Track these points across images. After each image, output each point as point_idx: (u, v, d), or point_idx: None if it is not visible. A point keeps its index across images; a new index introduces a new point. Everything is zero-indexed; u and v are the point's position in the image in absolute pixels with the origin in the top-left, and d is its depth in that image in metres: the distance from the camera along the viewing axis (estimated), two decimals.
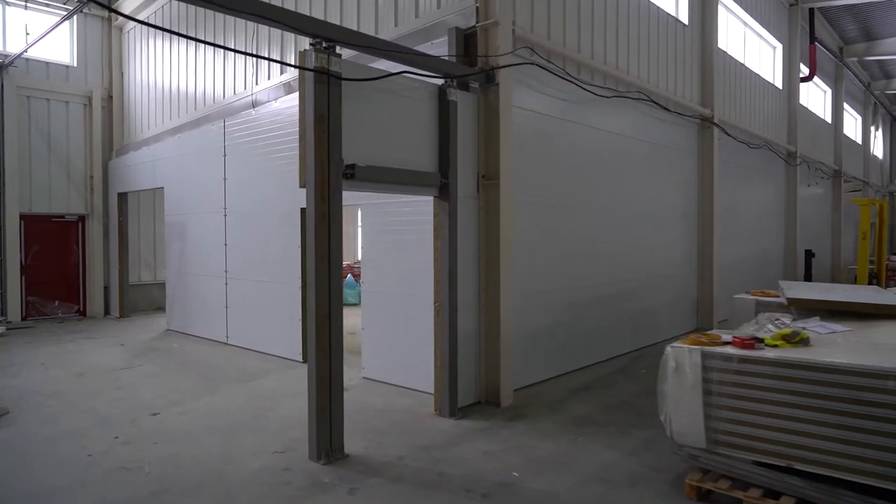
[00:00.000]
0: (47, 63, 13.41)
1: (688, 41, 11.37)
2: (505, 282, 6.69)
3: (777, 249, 16.42)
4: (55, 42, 13.56)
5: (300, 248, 8.79)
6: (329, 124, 5.01)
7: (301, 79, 5.06)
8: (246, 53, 5.02)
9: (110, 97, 14.23)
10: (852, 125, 25.06)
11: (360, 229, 18.80)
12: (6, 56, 12.45)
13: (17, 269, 12.91)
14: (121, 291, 13.69)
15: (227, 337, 10.33)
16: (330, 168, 5.02)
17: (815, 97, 20.30)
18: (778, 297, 7.23)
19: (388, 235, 7.53)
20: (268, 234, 9.41)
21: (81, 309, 14.05)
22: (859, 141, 25.92)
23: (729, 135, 12.40)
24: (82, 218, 14.04)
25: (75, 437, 5.70)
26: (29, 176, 13.14)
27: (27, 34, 12.36)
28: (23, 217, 13.04)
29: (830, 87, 21.34)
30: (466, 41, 6.76)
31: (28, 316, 13.19)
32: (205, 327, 10.91)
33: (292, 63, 4.95)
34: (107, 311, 14.15)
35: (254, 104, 9.83)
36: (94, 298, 14.03)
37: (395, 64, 5.98)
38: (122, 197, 13.82)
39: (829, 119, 21.19)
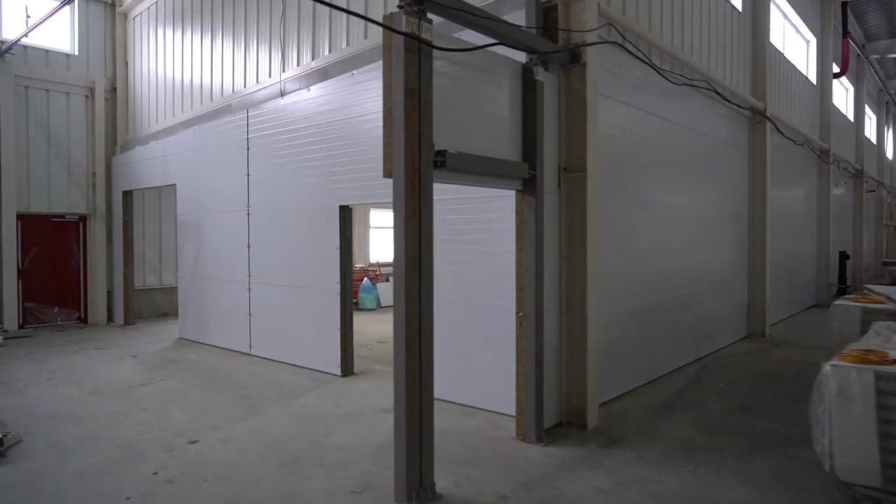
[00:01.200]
0: (47, 51, 12.44)
1: (741, 28, 10.68)
2: (591, 288, 5.91)
3: (809, 251, 15.80)
4: (55, 28, 12.59)
5: (338, 251, 7.97)
6: (420, 101, 4.20)
7: (386, 46, 4.25)
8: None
9: (114, 88, 13.28)
10: (867, 124, 24.64)
11: (371, 230, 17.97)
12: (2, 42, 11.47)
13: (13, 273, 11.92)
14: (126, 297, 12.74)
15: (251, 347, 9.46)
16: (421, 154, 4.21)
17: (839, 95, 19.78)
18: (883, 303, 6.54)
19: (442, 236, 6.72)
20: (299, 235, 8.56)
21: (83, 316, 13.07)
22: (874, 140, 25.51)
23: (779, 130, 11.73)
24: (84, 218, 13.07)
25: (107, 473, 4.83)
26: (27, 172, 12.16)
27: (28, 17, 11.39)
28: (20, 217, 12.06)
29: (853, 85, 20.85)
30: (546, 14, 5.97)
31: (26, 323, 12.20)
32: (224, 336, 10.02)
33: (379, 21, 4.11)
34: (110, 318, 13.19)
35: (282, 93, 8.98)
36: (96, 305, 13.07)
37: (476, 36, 5.18)
38: (127, 195, 12.89)
39: (851, 118, 20.69)
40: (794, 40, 14.76)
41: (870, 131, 24.95)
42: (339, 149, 7.89)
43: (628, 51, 6.71)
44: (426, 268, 4.30)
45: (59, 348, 10.20)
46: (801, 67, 15.05)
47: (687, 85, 8.22)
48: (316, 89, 8.29)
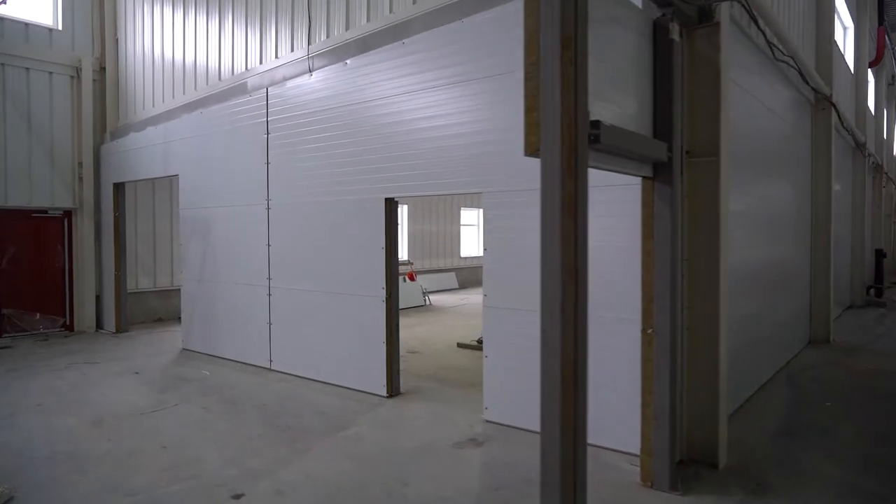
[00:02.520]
0: (26, 24, 11.00)
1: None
2: (723, 298, 4.86)
3: (843, 248, 15.01)
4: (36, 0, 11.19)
5: (384, 251, 6.82)
6: (576, 56, 3.08)
7: None
8: None
9: (103, 68, 11.88)
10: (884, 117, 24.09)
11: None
12: None
13: None
14: (117, 302, 11.40)
15: (271, 362, 8.26)
16: (577, 124, 3.09)
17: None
18: None
19: (515, 233, 5.64)
20: (333, 232, 7.38)
21: (68, 322, 11.69)
22: (884, 135, 24.98)
23: (840, 118, 10.84)
24: (69, 213, 11.68)
25: None
26: (4, 162, 10.75)
27: None
28: None
29: (873, 76, 20.19)
30: None
31: (3, 332, 10.80)
32: (238, 349, 8.80)
33: None
34: (99, 325, 11.84)
35: (310, 69, 7.77)
36: (83, 310, 11.69)
37: None
38: (119, 188, 11.53)
39: (872, 110, 20.03)
40: (836, 25, 13.91)
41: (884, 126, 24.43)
42: (385, 133, 6.74)
43: (751, 15, 5.65)
44: (583, 279, 3.18)
45: (45, 363, 8.86)
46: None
47: (782, 62, 7.21)
48: (354, 63, 7.11)
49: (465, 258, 21.63)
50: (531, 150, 3.18)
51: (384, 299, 6.83)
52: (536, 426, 5.25)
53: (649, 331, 4.44)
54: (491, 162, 5.86)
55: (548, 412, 3.15)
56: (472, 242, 22.37)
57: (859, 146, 15.01)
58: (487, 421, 5.95)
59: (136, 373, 8.22)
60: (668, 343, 4.35)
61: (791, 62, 7.86)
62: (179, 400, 6.88)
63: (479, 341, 9.75)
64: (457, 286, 20.58)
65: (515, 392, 5.73)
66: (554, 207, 3.07)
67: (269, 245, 8.27)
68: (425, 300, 16.07)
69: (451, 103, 6.17)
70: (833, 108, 10.14)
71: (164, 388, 7.39)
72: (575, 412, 3.15)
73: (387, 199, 6.82)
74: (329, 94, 7.39)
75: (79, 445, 5.42)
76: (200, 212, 9.42)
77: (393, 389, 6.91)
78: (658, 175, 4.37)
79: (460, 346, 9.99)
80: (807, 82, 8.81)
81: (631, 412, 4.78)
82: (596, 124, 3.26)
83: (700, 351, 4.90)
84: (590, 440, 5.10)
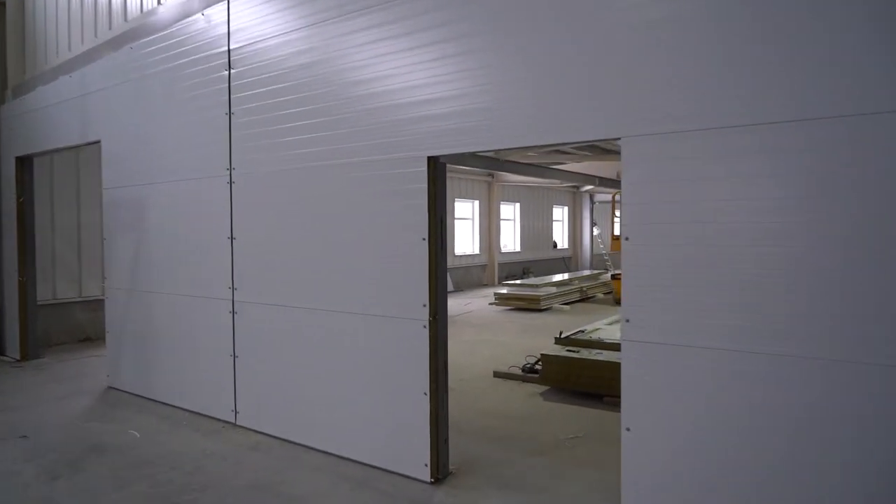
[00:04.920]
0: None
1: None
2: None
3: None
4: None
5: (426, 243, 4.14)
6: None
7: None
8: None
9: (2, 3, 8.83)
10: None
11: None
12: None
13: None
14: (22, 318, 8.39)
15: (237, 414, 5.49)
16: None
17: None
18: None
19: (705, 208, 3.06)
20: (335, 214, 4.67)
21: None
22: None
23: None
24: None
25: None
26: None
27: None
28: None
29: None
30: None
31: None
32: (188, 392, 5.99)
33: None
34: (0, 351, 8.81)
35: None
36: None
37: None
38: (24, 164, 8.51)
39: None
40: None
41: None
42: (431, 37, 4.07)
43: None
44: None
45: None
46: None
47: None
48: None
49: (460, 256, 19.01)
50: None
51: (427, 323, 4.15)
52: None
53: None
54: (642, 78, 3.25)
55: None
56: (466, 239, 19.76)
57: None
58: None
59: (24, 436, 5.31)
60: None
61: None
62: (76, 500, 4.05)
63: (525, 369, 7.14)
64: (452, 288, 17.93)
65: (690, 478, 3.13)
66: None
67: (231, 238, 5.49)
68: None
69: None
70: None
71: (59, 471, 4.53)
72: None
73: (430, 160, 4.14)
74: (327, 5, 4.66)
75: None
76: (131, 191, 6.55)
77: (440, 470, 4.23)
78: None
79: (497, 375, 7.35)
80: None
81: None
82: None
83: None
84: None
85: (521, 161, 13.78)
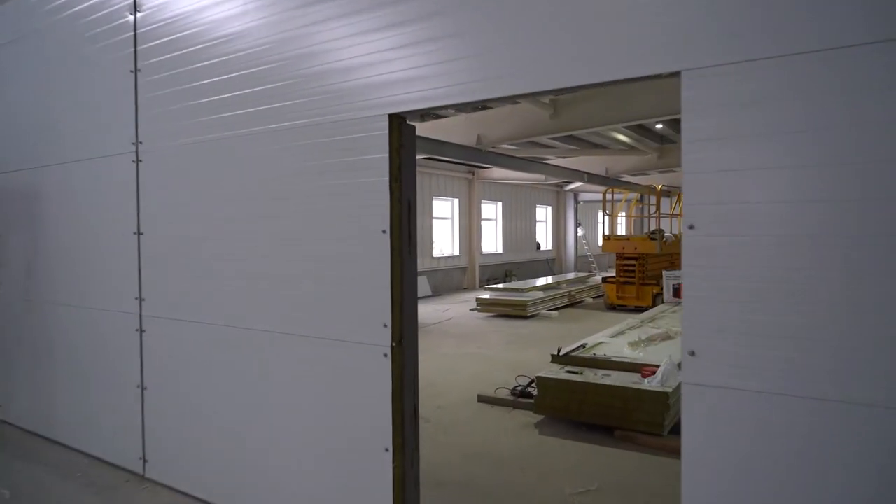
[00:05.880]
0: None
1: None
2: None
3: None
4: None
5: (386, 236, 2.93)
6: None
7: None
8: None
9: None
10: None
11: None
12: None
13: None
14: None
15: (146, 463, 4.20)
16: None
17: None
18: None
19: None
20: (269, 199, 3.43)
21: None
22: None
23: None
24: None
25: None
26: None
27: None
28: None
29: None
30: None
31: None
32: (89, 432, 4.67)
33: None
34: None
35: None
36: None
37: None
38: None
39: None
40: None
41: None
42: None
43: None
44: None
45: None
46: None
47: None
48: None
49: (439, 258, 17.79)
50: None
51: (388, 350, 2.93)
52: None
53: None
54: None
55: None
56: (446, 239, 18.56)
57: None
58: None
59: None
60: None
61: None
62: None
63: (516, 392, 5.97)
64: (430, 293, 16.71)
65: None
66: None
67: (138, 233, 4.20)
68: None
69: None
70: None
71: None
72: None
73: (393, 119, 2.92)
74: None
75: None
76: (21, 178, 5.21)
77: None
78: None
79: (483, 400, 6.15)
80: None
81: None
82: None
83: None
84: None
85: (506, 154, 12.64)
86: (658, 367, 5.21)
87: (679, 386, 5.11)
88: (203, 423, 3.82)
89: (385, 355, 2.94)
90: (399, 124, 2.95)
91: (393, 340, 2.93)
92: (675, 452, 4.76)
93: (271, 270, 3.42)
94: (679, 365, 5.34)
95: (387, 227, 2.92)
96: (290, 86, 3.27)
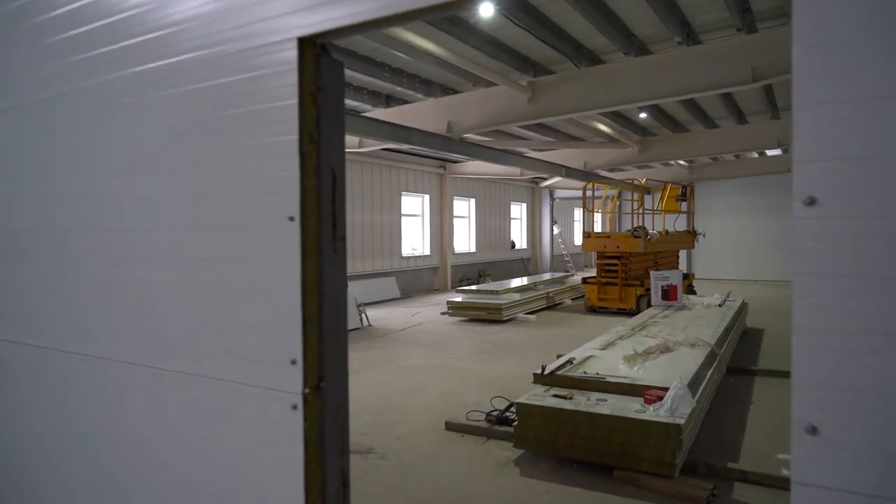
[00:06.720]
0: None
1: None
2: None
3: None
4: None
5: (296, 224, 1.88)
6: None
7: None
8: None
9: None
10: None
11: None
12: None
13: None
14: None
15: None
16: None
17: None
18: None
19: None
20: (137, 174, 2.38)
21: None
22: None
23: None
24: None
25: None
26: None
27: None
28: None
29: None
30: None
31: None
32: None
33: None
34: None
35: None
36: None
37: None
38: None
39: None
40: None
41: None
42: None
43: None
44: None
45: None
46: None
47: None
48: None
49: (408, 258, 16.76)
50: None
51: (299, 400, 1.91)
52: None
53: None
54: None
55: None
56: (416, 237, 17.53)
57: None
58: None
59: None
60: None
61: None
62: None
63: (491, 418, 5.01)
64: (398, 294, 15.67)
65: None
66: None
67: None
68: (361, 319, 11.09)
69: None
70: None
71: None
72: None
73: (303, 44, 1.90)
74: None
75: None
76: None
77: None
78: None
79: (451, 428, 5.15)
80: None
81: None
82: None
83: None
84: None
85: (479, 144, 11.70)
86: (664, 389, 4.28)
87: (693, 413, 4.19)
88: (53, 490, 2.74)
89: (294, 407, 1.92)
90: (316, 56, 1.93)
91: (306, 385, 1.91)
92: (689, 500, 3.82)
93: (143, 277, 2.37)
94: (690, 388, 4.42)
95: (296, 211, 1.90)
96: (160, 7, 2.23)
